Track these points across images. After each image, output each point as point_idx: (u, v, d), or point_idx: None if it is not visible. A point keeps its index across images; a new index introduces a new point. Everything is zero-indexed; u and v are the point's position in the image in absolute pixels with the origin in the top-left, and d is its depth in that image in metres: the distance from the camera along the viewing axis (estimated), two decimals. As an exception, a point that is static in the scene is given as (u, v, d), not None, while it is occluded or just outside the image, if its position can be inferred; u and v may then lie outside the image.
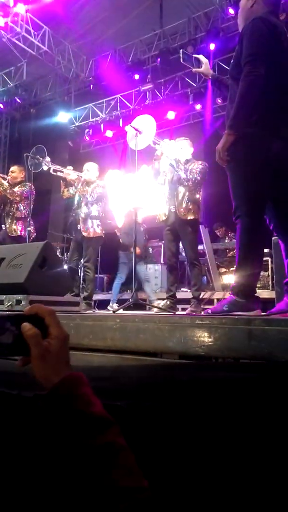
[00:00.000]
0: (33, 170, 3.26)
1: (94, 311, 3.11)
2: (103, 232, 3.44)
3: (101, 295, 4.91)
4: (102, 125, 7.70)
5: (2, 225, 3.68)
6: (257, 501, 0.69)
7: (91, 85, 7.36)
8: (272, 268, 3.97)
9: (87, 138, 8.00)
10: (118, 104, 7.33)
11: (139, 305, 2.67)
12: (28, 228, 3.31)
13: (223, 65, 5.75)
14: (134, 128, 2.61)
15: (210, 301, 4.04)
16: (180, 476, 0.75)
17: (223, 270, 5.04)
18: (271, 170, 1.56)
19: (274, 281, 3.01)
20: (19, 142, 8.20)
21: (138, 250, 4.17)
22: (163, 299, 3.00)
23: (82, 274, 3.49)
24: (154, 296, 4.42)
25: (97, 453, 0.43)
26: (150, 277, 4.94)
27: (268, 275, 4.37)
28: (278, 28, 1.58)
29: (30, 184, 3.49)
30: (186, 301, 3.12)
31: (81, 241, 3.36)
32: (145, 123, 2.69)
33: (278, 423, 0.74)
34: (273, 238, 2.13)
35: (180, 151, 2.84)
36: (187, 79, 6.64)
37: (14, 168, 3.70)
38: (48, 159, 3.25)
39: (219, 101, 6.31)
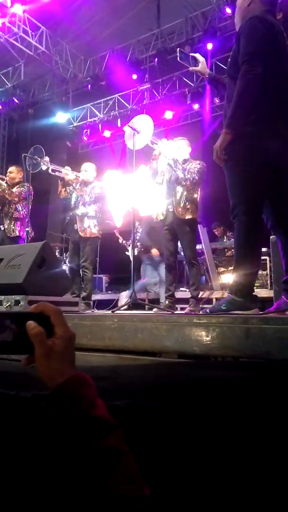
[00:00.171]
0: (31, 171, 3.26)
1: (93, 311, 3.11)
2: (100, 232, 3.44)
3: (100, 295, 4.91)
4: (100, 125, 7.69)
5: (1, 226, 3.67)
6: (257, 501, 0.69)
7: (89, 85, 7.36)
8: (270, 267, 3.98)
9: (85, 138, 8.00)
10: (116, 104, 7.32)
11: (138, 305, 2.67)
12: (27, 229, 3.31)
13: (221, 64, 5.76)
14: (131, 128, 2.62)
15: (209, 301, 4.04)
16: (180, 476, 0.75)
17: (221, 269, 5.05)
18: (268, 168, 1.56)
19: (272, 280, 3.02)
20: (17, 142, 8.19)
21: (157, 251, 4.17)
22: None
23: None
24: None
25: (97, 457, 0.43)
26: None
27: (267, 274, 4.38)
28: (275, 27, 1.58)
29: (28, 185, 3.49)
30: (185, 300, 3.12)
31: (78, 241, 3.36)
32: (143, 123, 2.69)
33: (276, 421, 0.75)
34: (271, 237, 2.14)
35: (178, 150, 2.84)
36: (184, 79, 6.64)
37: (12, 168, 3.70)
38: (47, 158, 3.25)
39: (217, 100, 6.32)
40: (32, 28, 6.31)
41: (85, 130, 7.86)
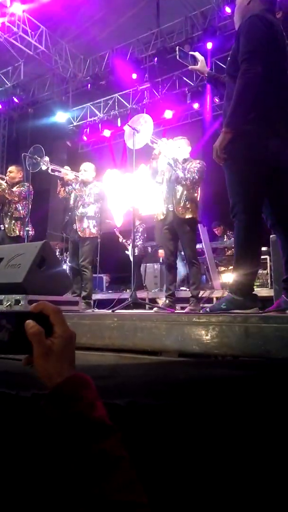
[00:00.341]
0: (31, 170, 3.26)
1: (93, 311, 3.11)
2: (100, 232, 3.44)
3: (100, 295, 4.91)
4: (100, 125, 7.69)
5: (1, 225, 3.68)
6: (258, 500, 0.69)
7: (89, 85, 7.35)
8: (271, 266, 3.97)
9: (85, 138, 8.00)
10: (116, 103, 7.32)
11: (139, 304, 2.67)
12: (27, 228, 3.31)
13: (220, 63, 5.75)
14: (131, 127, 2.61)
15: (209, 300, 4.04)
16: (180, 475, 0.75)
17: (222, 268, 5.05)
18: (268, 167, 1.56)
19: (272, 279, 3.01)
20: (17, 142, 8.19)
21: (162, 253, 4.11)
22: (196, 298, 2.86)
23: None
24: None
25: (93, 460, 0.41)
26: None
27: (267, 273, 4.38)
28: (274, 26, 1.58)
29: (28, 184, 3.49)
30: (185, 300, 3.12)
31: (77, 241, 3.36)
32: (142, 122, 2.69)
33: (276, 420, 0.75)
34: (271, 236, 2.14)
35: (177, 150, 2.84)
36: (184, 78, 6.63)
37: (12, 168, 3.70)
38: (46, 158, 3.24)
39: (217, 100, 6.32)
40: (31, 28, 6.31)
41: (85, 129, 7.86)
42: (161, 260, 5.28)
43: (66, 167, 3.49)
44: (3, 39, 6.19)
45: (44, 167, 3.23)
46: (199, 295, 2.91)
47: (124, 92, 7.15)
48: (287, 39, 1.63)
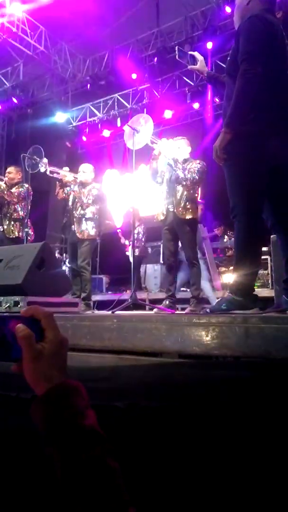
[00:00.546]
0: (30, 171, 3.25)
1: (93, 312, 3.11)
2: (99, 234, 3.43)
3: (100, 296, 4.91)
4: (99, 125, 7.69)
5: (0, 227, 3.67)
6: (258, 500, 0.69)
7: (88, 85, 7.35)
8: (271, 266, 3.97)
9: (84, 138, 8.00)
10: (116, 103, 7.32)
11: (138, 305, 2.66)
12: (26, 229, 3.30)
13: (221, 63, 5.75)
14: (131, 127, 2.61)
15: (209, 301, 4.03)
16: (179, 476, 0.74)
17: (222, 269, 5.05)
18: (268, 167, 1.56)
19: (273, 280, 3.01)
20: (16, 142, 8.18)
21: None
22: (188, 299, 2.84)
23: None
24: (212, 294, 4.11)
25: (81, 469, 0.40)
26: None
27: (268, 274, 4.37)
28: (274, 26, 1.58)
29: (27, 185, 3.48)
30: (185, 300, 3.11)
31: (76, 242, 3.36)
32: (142, 123, 2.68)
33: (276, 421, 0.74)
34: (271, 236, 2.13)
35: (177, 150, 2.84)
36: (184, 78, 6.63)
37: (11, 169, 3.69)
38: (45, 160, 3.24)
39: (217, 99, 6.32)
40: (31, 28, 6.31)
41: (85, 129, 7.86)
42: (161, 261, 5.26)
43: (65, 168, 3.48)
44: (2, 40, 6.19)
45: (42, 169, 3.22)
46: (200, 296, 2.90)
47: (123, 92, 7.14)
48: (287, 39, 1.63)
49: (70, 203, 3.44)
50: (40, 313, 0.47)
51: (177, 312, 2.84)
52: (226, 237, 5.66)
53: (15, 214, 3.57)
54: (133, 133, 2.58)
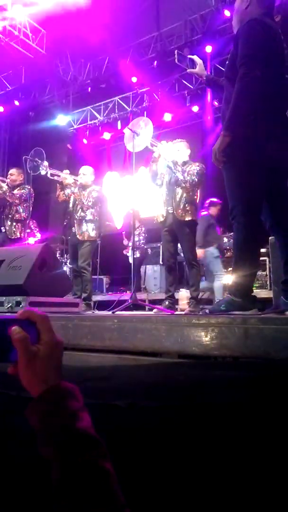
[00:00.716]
0: (32, 173, 3.28)
1: (93, 312, 3.12)
2: (99, 235, 3.46)
3: (100, 296, 4.92)
4: (100, 128, 7.73)
5: (2, 228, 3.69)
6: (258, 502, 0.70)
7: (89, 88, 7.39)
8: (270, 267, 3.98)
9: (85, 140, 8.04)
10: (116, 106, 7.36)
11: (138, 306, 2.67)
12: (27, 231, 3.33)
13: (220, 67, 5.78)
14: (131, 130, 2.63)
15: (209, 301, 4.04)
16: (179, 476, 0.75)
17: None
18: (266, 170, 1.57)
19: (272, 281, 3.02)
20: (18, 145, 8.22)
21: (202, 252, 4.07)
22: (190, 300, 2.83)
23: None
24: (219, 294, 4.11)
25: (75, 472, 0.40)
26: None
27: (266, 275, 4.38)
28: (273, 30, 1.59)
29: (29, 187, 3.51)
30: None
31: (76, 244, 3.38)
32: (142, 125, 2.71)
33: (276, 421, 0.75)
34: (270, 238, 2.15)
35: (177, 153, 2.86)
36: (184, 81, 6.67)
37: (12, 171, 3.72)
38: (46, 163, 3.27)
39: (216, 103, 6.35)
40: (32, 32, 6.36)
41: (85, 132, 7.90)
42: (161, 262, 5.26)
43: (65, 170, 3.51)
44: (4, 43, 6.23)
45: (43, 172, 3.25)
46: (199, 297, 2.91)
47: (124, 95, 7.18)
48: (285, 42, 1.65)
49: (70, 205, 3.47)
50: (36, 315, 0.47)
51: (177, 312, 2.85)
52: (225, 238, 5.67)
53: (17, 215, 3.59)
54: (133, 135, 2.60)
